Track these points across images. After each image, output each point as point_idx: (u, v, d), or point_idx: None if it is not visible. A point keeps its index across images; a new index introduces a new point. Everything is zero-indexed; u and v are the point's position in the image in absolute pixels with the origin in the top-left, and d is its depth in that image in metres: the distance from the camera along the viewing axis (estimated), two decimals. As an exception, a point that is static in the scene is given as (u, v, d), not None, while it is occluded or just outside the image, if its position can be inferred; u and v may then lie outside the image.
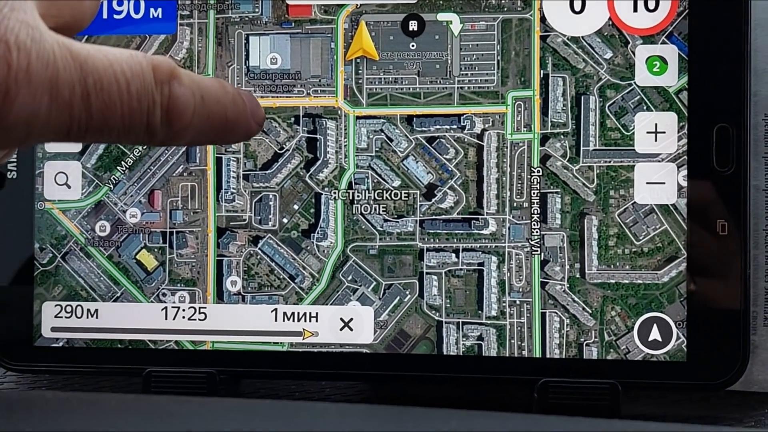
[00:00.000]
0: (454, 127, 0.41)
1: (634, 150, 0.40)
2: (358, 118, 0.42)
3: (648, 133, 0.40)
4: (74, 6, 0.28)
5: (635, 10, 0.40)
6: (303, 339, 0.42)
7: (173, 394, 0.41)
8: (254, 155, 0.42)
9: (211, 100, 0.28)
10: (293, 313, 0.42)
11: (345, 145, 0.42)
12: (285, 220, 0.42)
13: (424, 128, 0.42)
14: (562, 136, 0.41)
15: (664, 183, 0.40)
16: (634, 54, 0.40)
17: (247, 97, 0.30)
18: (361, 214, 0.42)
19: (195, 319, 0.42)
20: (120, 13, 0.43)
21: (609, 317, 0.40)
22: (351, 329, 0.42)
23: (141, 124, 0.25)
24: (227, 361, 0.42)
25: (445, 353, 0.41)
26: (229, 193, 0.42)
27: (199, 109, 0.27)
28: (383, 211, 0.42)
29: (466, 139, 0.41)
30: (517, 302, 0.41)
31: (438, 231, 0.41)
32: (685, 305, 0.40)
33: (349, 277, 0.42)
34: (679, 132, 0.40)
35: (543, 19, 0.41)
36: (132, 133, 0.25)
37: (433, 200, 0.42)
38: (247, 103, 0.30)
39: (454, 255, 0.41)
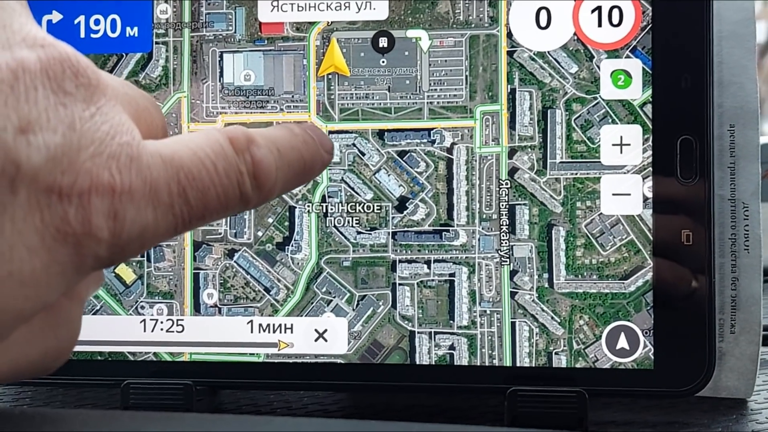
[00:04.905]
0: (425, 140, 0.42)
1: (600, 162, 0.41)
2: (330, 132, 0.43)
3: (613, 145, 0.41)
4: (159, 111, 0.29)
5: (600, 25, 0.41)
6: (278, 350, 0.43)
7: (151, 405, 0.42)
8: (229, 170, 0.43)
9: (286, 149, 0.28)
10: (269, 325, 0.43)
11: (318, 160, 0.43)
12: (260, 234, 0.43)
13: (395, 142, 0.42)
14: (529, 149, 0.42)
15: (629, 194, 0.41)
16: (599, 68, 0.41)
17: (313, 131, 0.30)
18: (335, 226, 0.43)
19: (173, 331, 0.43)
20: (97, 32, 0.44)
21: (577, 326, 0.41)
22: (325, 340, 0.43)
23: (235, 197, 0.26)
24: (204, 373, 0.43)
25: (417, 363, 0.42)
26: (205, 208, 0.43)
27: (279, 163, 0.28)
28: (356, 223, 0.43)
29: (436, 153, 0.42)
30: (488, 312, 0.42)
31: (410, 243, 0.42)
32: (652, 314, 0.41)
33: (323, 289, 0.43)
34: (644, 144, 0.41)
35: (510, 34, 0.42)
36: (229, 207, 0.26)
37: (405, 213, 0.42)
38: (316, 138, 0.30)
39: (425, 266, 0.42)
